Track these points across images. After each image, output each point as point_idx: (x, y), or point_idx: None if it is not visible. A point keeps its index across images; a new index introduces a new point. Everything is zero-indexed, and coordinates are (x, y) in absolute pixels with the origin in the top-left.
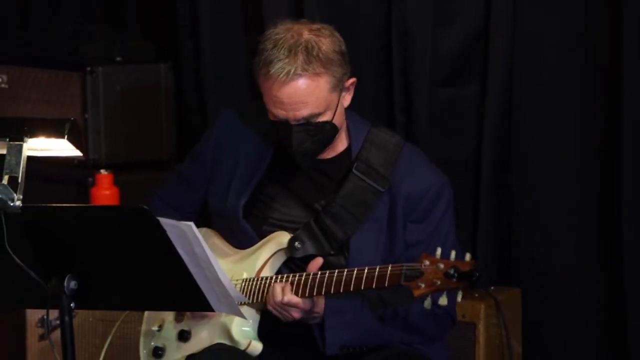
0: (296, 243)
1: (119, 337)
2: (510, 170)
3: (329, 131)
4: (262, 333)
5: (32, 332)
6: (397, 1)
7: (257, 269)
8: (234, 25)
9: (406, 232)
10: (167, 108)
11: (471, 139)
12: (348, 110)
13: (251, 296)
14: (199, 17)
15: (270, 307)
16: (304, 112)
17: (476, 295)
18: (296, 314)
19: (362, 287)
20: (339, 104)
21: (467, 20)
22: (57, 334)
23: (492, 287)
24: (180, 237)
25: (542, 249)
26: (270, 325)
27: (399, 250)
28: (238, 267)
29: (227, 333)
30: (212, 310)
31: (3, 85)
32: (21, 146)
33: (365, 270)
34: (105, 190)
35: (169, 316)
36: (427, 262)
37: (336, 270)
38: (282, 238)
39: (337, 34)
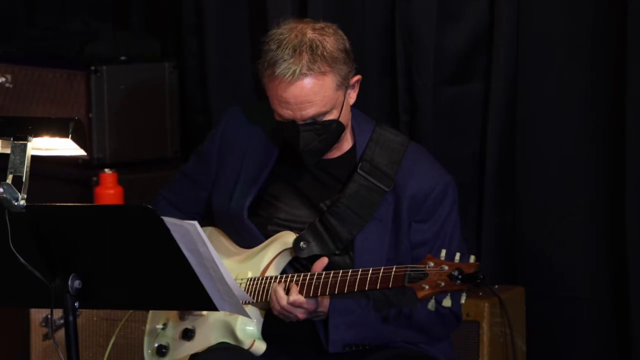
0: (301, 243)
1: (122, 336)
2: (515, 168)
3: (335, 130)
4: (266, 332)
5: (36, 332)
6: (401, 1)
7: (262, 268)
8: (239, 24)
9: (411, 231)
10: (172, 107)
11: (476, 138)
12: (353, 109)
13: (256, 296)
14: (204, 16)
15: (275, 312)
16: (311, 111)
17: (480, 293)
18: (301, 314)
19: (366, 288)
20: (345, 102)
21: (471, 18)
22: (61, 333)
23: (496, 286)
24: (184, 236)
25: (547, 248)
26: (274, 324)
27: (404, 249)
28: (243, 267)
29: (231, 332)
30: (216, 309)
31: (7, 85)
32: (25, 145)
33: (370, 272)
34: (109, 190)
35: (173, 315)
36: (431, 264)
37: (340, 271)
38: (288, 238)
39: (340, 32)
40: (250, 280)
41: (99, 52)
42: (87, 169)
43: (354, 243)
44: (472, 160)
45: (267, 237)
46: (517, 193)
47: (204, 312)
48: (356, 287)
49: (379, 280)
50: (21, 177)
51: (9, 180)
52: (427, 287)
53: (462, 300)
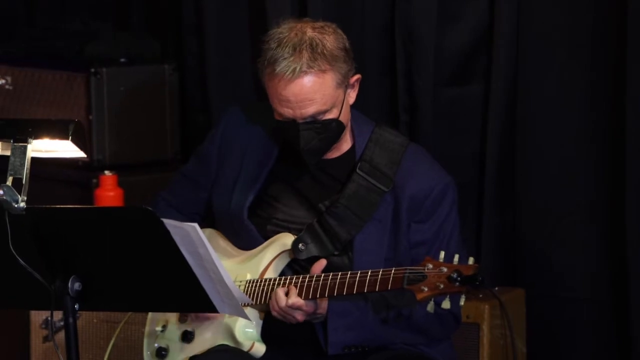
0: (300, 245)
1: (122, 338)
2: (514, 168)
3: (335, 128)
4: (266, 334)
5: (36, 334)
6: (401, 1)
7: (260, 270)
8: (239, 24)
9: (410, 232)
10: (172, 109)
11: (475, 138)
12: (352, 110)
13: (254, 297)
14: (204, 16)
15: (274, 313)
16: (311, 110)
17: (480, 295)
18: (300, 316)
19: (365, 290)
20: (345, 101)
21: (471, 18)
22: (61, 336)
23: (497, 288)
24: (184, 238)
25: (547, 248)
26: (274, 326)
27: (402, 250)
28: (242, 268)
29: (231, 334)
30: (216, 311)
31: (7, 87)
32: (25, 147)
33: (368, 274)
34: (109, 192)
35: (172, 317)
36: (430, 266)
37: (339, 273)
38: (286, 239)
39: (340, 31)
40: (249, 282)
41: (98, 53)
42: (87, 171)
43: (353, 243)
44: (472, 161)
45: (266, 237)
46: (517, 193)
47: (204, 315)
48: (355, 290)
49: (378, 282)
50: (21, 179)
51: (9, 182)
52: (426, 289)
53: (462, 303)
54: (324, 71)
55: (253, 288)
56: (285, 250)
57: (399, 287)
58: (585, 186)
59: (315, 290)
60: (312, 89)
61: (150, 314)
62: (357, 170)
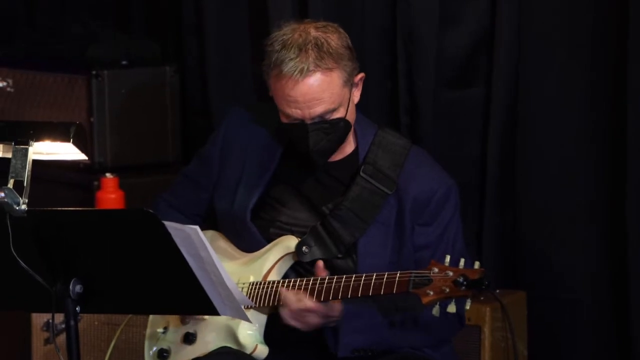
0: (304, 248)
1: (124, 340)
2: (516, 171)
3: (343, 128)
4: (268, 337)
5: (38, 336)
6: (402, 2)
7: (264, 272)
8: (239, 25)
9: (414, 235)
10: (173, 111)
11: (476, 140)
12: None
13: (257, 300)
14: (204, 16)
15: (288, 318)
16: (319, 109)
17: (482, 298)
18: (314, 319)
19: (370, 294)
20: (350, 100)
21: (472, 20)
22: (62, 338)
23: (498, 290)
24: (185, 240)
25: (548, 251)
26: (277, 329)
27: (406, 252)
28: (245, 271)
29: (233, 336)
30: (217, 313)
31: (9, 89)
32: (27, 150)
33: (373, 277)
34: (110, 194)
35: (174, 319)
36: (435, 270)
37: (344, 276)
38: (290, 242)
39: (342, 30)
40: (252, 285)
41: (99, 55)
42: (89, 174)
43: (357, 246)
44: (473, 162)
45: (269, 240)
46: (517, 193)
47: (206, 317)
48: (360, 293)
49: (383, 286)
50: (22, 181)
51: (11, 184)
52: (431, 292)
53: (467, 307)
54: (330, 69)
55: (256, 290)
56: (289, 252)
57: (405, 290)
58: (586, 186)
59: (319, 293)
60: (320, 87)
61: (151, 315)
62: (361, 173)
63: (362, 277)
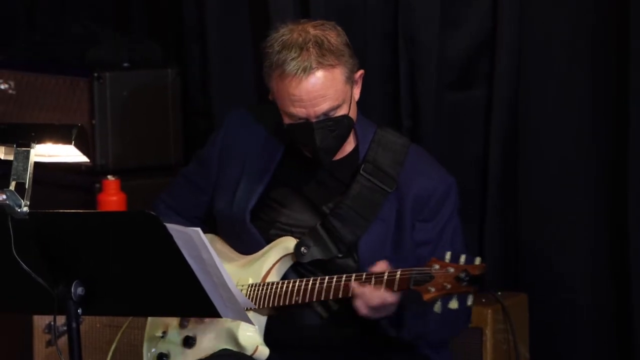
0: (302, 248)
1: (126, 342)
2: (517, 172)
3: (347, 125)
4: (268, 338)
5: (40, 338)
6: (403, 4)
7: (263, 274)
8: (241, 27)
9: (414, 231)
10: (174, 113)
11: (478, 143)
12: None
13: (257, 301)
14: (205, 20)
15: (363, 310)
16: (324, 106)
17: (483, 300)
18: (392, 308)
19: None
20: (352, 97)
21: (473, 23)
22: (64, 340)
23: (499, 293)
24: (187, 242)
25: (550, 253)
26: (277, 330)
27: (407, 249)
28: (244, 272)
29: (234, 338)
30: (218, 316)
31: (10, 92)
32: (28, 152)
33: (374, 276)
34: (112, 196)
35: (173, 322)
36: (436, 266)
37: (344, 275)
38: (288, 243)
39: (339, 28)
40: (252, 286)
41: (101, 57)
42: (90, 176)
43: (358, 245)
44: (475, 165)
45: (269, 241)
46: (518, 195)
47: (205, 320)
48: None
49: (384, 284)
50: (24, 183)
51: (12, 186)
52: (433, 289)
53: (469, 302)
54: (333, 66)
55: (255, 292)
56: (288, 253)
57: (406, 288)
58: (587, 188)
59: (319, 292)
60: (324, 84)
61: (149, 318)
62: (361, 171)
63: (362, 275)
